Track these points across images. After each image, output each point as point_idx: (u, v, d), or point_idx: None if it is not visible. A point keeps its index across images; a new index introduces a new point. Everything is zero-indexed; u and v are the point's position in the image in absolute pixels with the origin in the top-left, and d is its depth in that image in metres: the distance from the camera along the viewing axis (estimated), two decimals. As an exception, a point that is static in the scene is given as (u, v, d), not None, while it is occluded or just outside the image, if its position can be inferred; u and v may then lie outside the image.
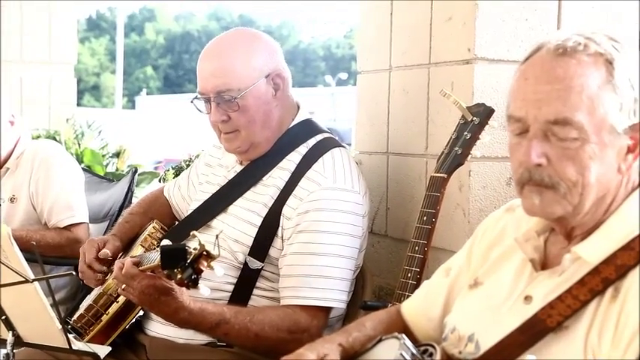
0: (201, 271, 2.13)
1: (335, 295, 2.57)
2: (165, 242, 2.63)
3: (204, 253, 2.11)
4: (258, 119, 2.66)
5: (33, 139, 6.07)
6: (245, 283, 2.62)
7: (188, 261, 2.12)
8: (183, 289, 2.35)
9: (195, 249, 2.12)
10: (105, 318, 2.69)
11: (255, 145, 2.71)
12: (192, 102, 2.72)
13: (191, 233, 2.19)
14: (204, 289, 2.16)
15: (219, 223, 2.71)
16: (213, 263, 2.13)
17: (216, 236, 2.16)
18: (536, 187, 1.68)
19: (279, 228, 2.60)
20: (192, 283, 2.14)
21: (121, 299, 2.66)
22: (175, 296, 2.37)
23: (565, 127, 1.64)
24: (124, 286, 2.42)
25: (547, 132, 1.66)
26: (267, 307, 2.58)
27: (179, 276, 2.14)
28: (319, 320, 2.56)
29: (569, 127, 1.64)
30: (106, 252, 2.69)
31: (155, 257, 2.28)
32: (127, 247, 2.87)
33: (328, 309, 2.58)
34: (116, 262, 2.47)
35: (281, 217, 2.60)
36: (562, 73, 1.65)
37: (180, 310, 2.40)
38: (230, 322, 2.47)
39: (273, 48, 2.73)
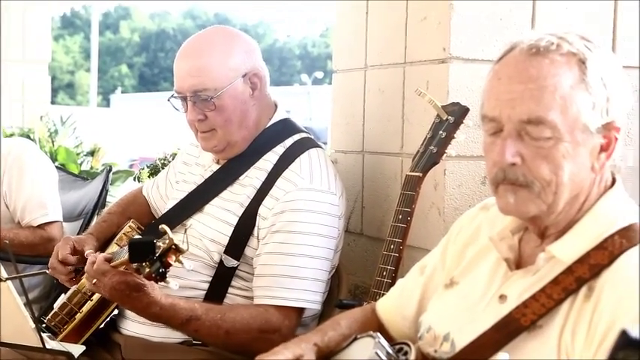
0: (170, 265, 2.13)
1: (308, 296, 2.57)
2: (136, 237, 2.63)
3: (173, 247, 2.11)
4: (235, 119, 2.66)
5: (6, 137, 6.03)
6: (220, 281, 2.62)
7: (156, 255, 2.12)
8: (155, 284, 2.35)
9: (163, 243, 2.11)
10: (79, 316, 2.68)
11: (231, 145, 2.70)
12: (168, 100, 2.71)
13: (160, 227, 2.18)
14: (172, 283, 2.16)
15: (195, 222, 2.70)
16: (182, 257, 2.13)
17: (185, 231, 2.16)
18: (511, 186, 1.69)
19: (255, 227, 2.60)
20: (161, 277, 2.15)
21: (95, 297, 2.65)
22: (147, 292, 2.37)
23: (538, 127, 1.65)
24: (94, 281, 2.41)
25: (521, 131, 1.67)
26: (240, 306, 2.58)
27: (147, 270, 2.15)
28: (291, 320, 2.56)
29: (543, 127, 1.65)
30: (91, 250, 2.64)
31: (126, 253, 2.28)
32: (103, 246, 2.86)
33: (301, 309, 2.58)
34: (88, 257, 2.46)
35: (257, 216, 2.60)
36: (535, 73, 1.66)
37: (151, 305, 2.40)
38: (201, 318, 2.47)
39: (251, 47, 2.73)
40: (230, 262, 2.61)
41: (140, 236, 2.71)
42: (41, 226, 3.82)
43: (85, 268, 2.45)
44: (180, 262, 2.14)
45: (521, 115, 1.66)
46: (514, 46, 1.72)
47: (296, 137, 2.74)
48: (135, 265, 2.20)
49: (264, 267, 2.57)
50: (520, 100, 1.66)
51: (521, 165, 1.67)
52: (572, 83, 1.65)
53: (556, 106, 1.64)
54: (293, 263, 2.55)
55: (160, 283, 2.20)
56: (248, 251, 2.61)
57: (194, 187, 2.80)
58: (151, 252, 2.12)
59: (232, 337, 2.50)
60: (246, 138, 2.71)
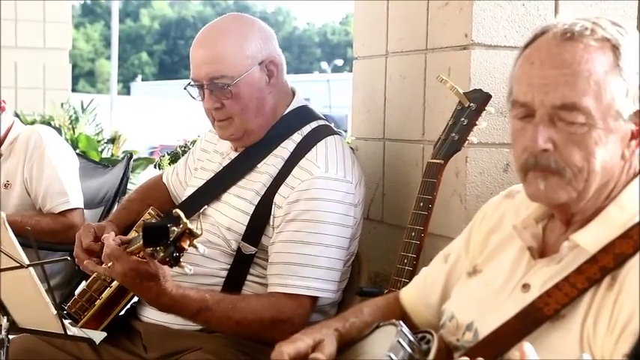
0: (184, 249, 2.13)
1: (321, 285, 2.56)
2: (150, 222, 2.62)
3: (187, 231, 2.11)
4: (252, 107, 2.65)
5: (28, 124, 6.06)
6: (238, 269, 2.62)
7: (170, 239, 2.11)
8: (167, 274, 2.35)
9: (178, 228, 2.11)
10: (98, 303, 2.68)
11: (248, 133, 2.70)
12: (185, 89, 2.70)
13: (174, 211, 2.18)
14: (187, 267, 2.15)
15: (212, 210, 2.70)
16: (196, 242, 2.12)
17: (199, 215, 2.15)
18: (541, 173, 1.67)
19: (271, 216, 2.60)
20: (174, 261, 2.14)
21: (114, 284, 2.65)
22: (158, 282, 2.37)
23: (572, 112, 1.63)
24: (109, 264, 2.40)
25: (553, 117, 1.65)
26: (251, 296, 2.58)
27: (161, 254, 2.14)
28: (304, 309, 2.56)
29: (577, 113, 1.63)
30: (107, 236, 2.63)
31: (141, 238, 2.27)
32: (123, 233, 2.86)
33: (314, 298, 2.57)
34: (105, 239, 2.45)
35: (273, 205, 2.59)
36: (569, 58, 1.64)
37: (161, 295, 2.40)
38: (211, 309, 2.47)
39: (267, 34, 2.71)
40: (248, 249, 2.61)
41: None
42: (62, 213, 3.84)
43: (103, 252, 2.44)
44: (195, 246, 2.13)
45: (555, 101, 1.63)
46: (545, 30, 1.70)
47: (313, 125, 2.73)
48: (149, 250, 2.20)
49: (277, 255, 2.57)
50: (554, 85, 1.64)
51: (553, 151, 1.65)
52: (606, 69, 1.63)
53: (590, 92, 1.62)
54: (307, 252, 2.54)
55: (174, 268, 2.19)
56: (264, 240, 2.61)
57: (212, 174, 2.79)
58: (164, 236, 2.12)
59: (243, 327, 2.50)
60: (263, 126, 2.70)
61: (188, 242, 2.12)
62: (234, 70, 2.61)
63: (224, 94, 2.63)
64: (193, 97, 2.70)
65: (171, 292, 2.40)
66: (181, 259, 2.16)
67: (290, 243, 2.55)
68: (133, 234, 2.78)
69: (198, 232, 2.12)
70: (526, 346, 1.39)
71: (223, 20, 2.75)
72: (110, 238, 2.42)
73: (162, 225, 2.14)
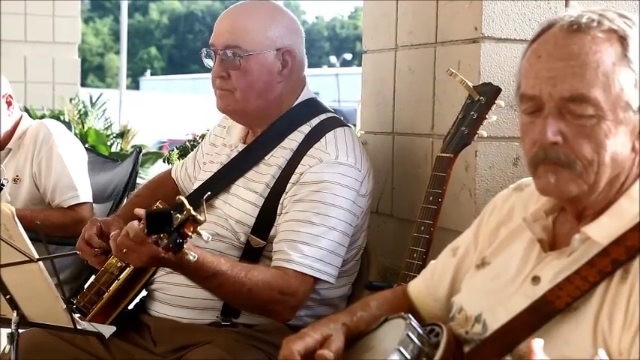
0: (188, 235, 2.12)
1: (323, 267, 2.54)
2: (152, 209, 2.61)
3: (191, 217, 2.10)
4: (257, 87, 2.66)
5: (37, 118, 6.07)
6: (247, 262, 2.61)
7: (174, 226, 2.11)
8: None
9: (181, 214, 2.10)
10: (106, 295, 2.68)
11: (245, 112, 2.71)
12: (201, 52, 2.74)
13: (177, 198, 2.17)
14: (204, 234, 2.13)
15: (221, 202, 2.70)
16: (199, 229, 2.11)
17: (204, 200, 2.14)
18: (552, 167, 1.66)
19: (280, 205, 2.60)
20: (178, 248, 2.13)
21: (122, 277, 2.65)
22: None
23: (581, 104, 1.62)
24: (124, 250, 2.35)
25: (562, 109, 1.63)
26: (261, 266, 2.56)
27: (165, 241, 2.13)
28: (306, 287, 2.54)
29: (586, 104, 1.62)
30: (117, 232, 2.61)
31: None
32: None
33: (315, 279, 2.56)
34: (129, 225, 2.37)
35: (282, 195, 2.59)
36: (577, 50, 1.63)
37: (182, 258, 2.28)
38: (226, 274, 2.43)
39: (294, 27, 2.74)
40: (257, 242, 2.60)
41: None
42: (71, 208, 3.84)
43: (118, 239, 2.40)
44: (199, 233, 2.12)
45: (563, 93, 1.62)
46: (552, 23, 1.69)
47: (322, 117, 2.73)
48: (153, 237, 2.19)
49: (283, 233, 2.56)
50: (562, 77, 1.63)
51: (563, 144, 1.64)
52: (614, 60, 1.62)
53: (599, 83, 1.61)
54: (312, 231, 2.53)
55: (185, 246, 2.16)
56: (273, 231, 2.60)
57: (220, 167, 2.79)
58: (168, 223, 2.11)
59: (254, 295, 2.47)
60: (262, 110, 2.70)
61: (192, 229, 2.11)
62: (249, 44, 2.64)
63: (233, 65, 2.65)
64: (207, 65, 2.73)
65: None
66: (185, 246, 2.15)
67: (295, 222, 2.55)
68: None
69: (202, 218, 2.11)
70: (535, 344, 1.38)
71: (257, 0, 2.79)
72: (135, 223, 2.37)
73: (166, 211, 2.13)
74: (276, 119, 2.73)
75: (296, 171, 2.60)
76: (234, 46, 2.64)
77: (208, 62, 2.73)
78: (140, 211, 2.29)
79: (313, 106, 2.76)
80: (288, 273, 2.51)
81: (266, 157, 2.69)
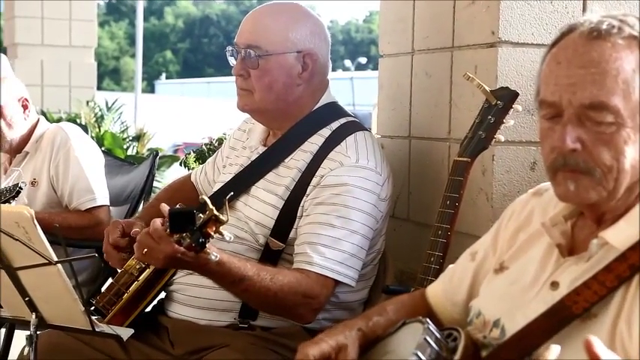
0: (210, 235, 2.13)
1: (344, 270, 2.55)
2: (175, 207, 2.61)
3: (213, 217, 2.11)
4: (275, 88, 2.67)
5: (53, 121, 6.09)
6: (266, 265, 2.61)
7: (197, 225, 2.12)
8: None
9: (204, 214, 2.11)
10: (126, 296, 2.68)
11: (262, 111, 2.73)
12: (225, 51, 2.76)
13: (200, 198, 2.18)
14: (226, 234, 2.14)
15: (241, 204, 2.71)
16: (221, 229, 2.12)
17: (226, 200, 2.15)
18: (571, 174, 1.66)
19: (300, 208, 2.60)
20: (200, 247, 2.14)
21: (142, 278, 2.66)
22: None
23: (601, 112, 1.62)
24: (145, 251, 2.34)
25: (581, 116, 1.63)
26: (285, 270, 2.56)
27: (187, 240, 2.14)
28: (328, 290, 2.55)
29: (605, 112, 1.61)
30: (137, 230, 2.61)
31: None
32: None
33: (336, 282, 2.56)
34: (152, 223, 2.33)
35: (303, 198, 2.60)
36: (597, 57, 1.63)
37: (209, 262, 2.29)
38: (253, 279, 2.43)
39: (319, 31, 2.73)
40: (276, 245, 2.61)
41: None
42: (89, 210, 3.86)
43: (139, 237, 2.40)
44: (221, 233, 2.13)
45: (583, 100, 1.62)
46: (572, 28, 1.69)
47: (342, 120, 2.74)
48: (176, 236, 2.20)
49: (304, 235, 2.56)
50: (581, 84, 1.63)
51: (582, 151, 1.64)
52: (634, 67, 1.62)
53: (619, 91, 1.61)
54: (333, 234, 2.54)
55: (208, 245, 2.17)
56: (293, 234, 2.61)
57: (240, 169, 2.80)
58: (191, 222, 2.12)
59: (279, 299, 2.47)
60: (281, 112, 2.71)
61: (214, 228, 2.12)
62: (270, 44, 2.65)
63: (252, 64, 2.66)
64: (231, 64, 2.74)
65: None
66: (207, 245, 2.16)
67: (316, 224, 2.55)
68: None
69: (225, 218, 2.12)
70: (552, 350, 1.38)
71: (284, 2, 2.81)
72: (157, 221, 2.37)
73: (189, 210, 2.14)
74: (296, 122, 2.74)
75: (317, 174, 2.60)
76: (255, 46, 2.66)
77: (232, 61, 2.74)
78: (165, 207, 2.30)
79: (334, 110, 2.77)
80: (309, 276, 2.52)
81: (286, 160, 2.69)
